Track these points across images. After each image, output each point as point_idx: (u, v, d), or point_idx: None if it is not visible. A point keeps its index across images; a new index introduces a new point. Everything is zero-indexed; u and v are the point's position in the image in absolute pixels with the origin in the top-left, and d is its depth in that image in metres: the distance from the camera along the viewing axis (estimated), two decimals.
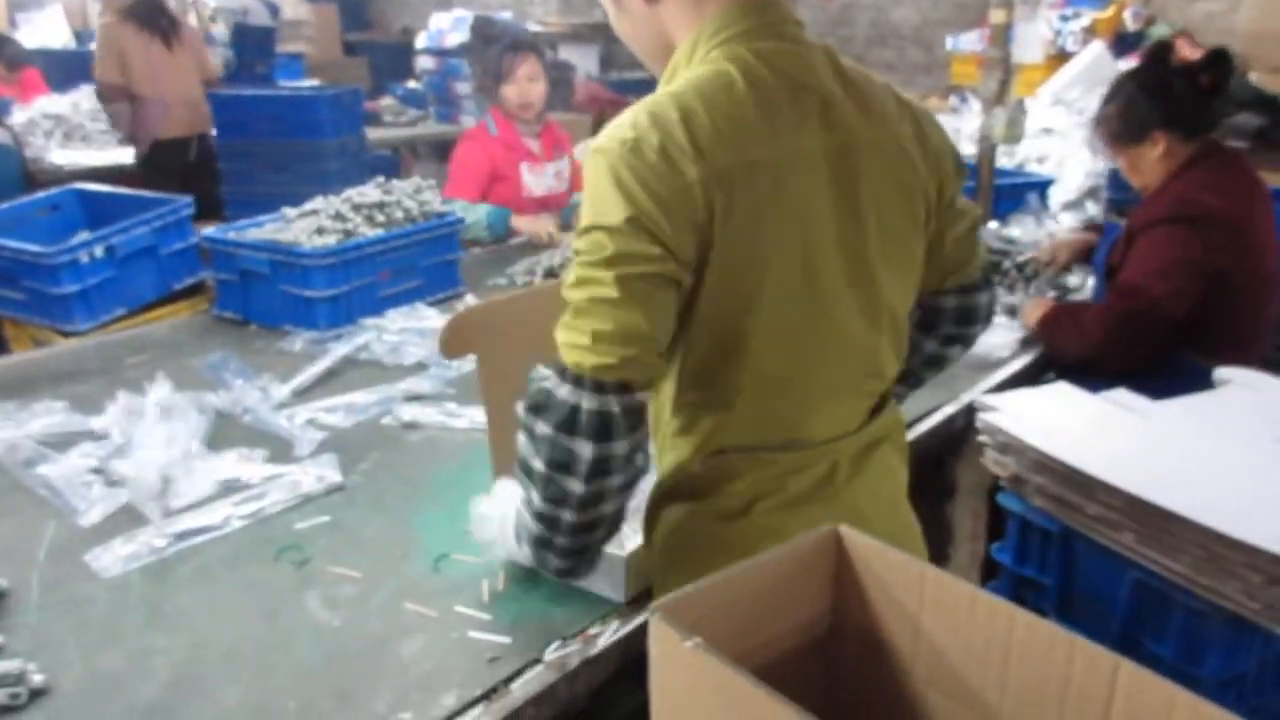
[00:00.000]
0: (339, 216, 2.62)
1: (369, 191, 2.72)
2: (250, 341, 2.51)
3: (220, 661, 1.33)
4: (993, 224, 3.38)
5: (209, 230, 2.73)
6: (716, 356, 1.24)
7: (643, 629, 1.44)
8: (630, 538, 1.47)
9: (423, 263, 2.75)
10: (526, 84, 3.36)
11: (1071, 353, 2.38)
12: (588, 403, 1.17)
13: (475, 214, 3.26)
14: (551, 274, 2.96)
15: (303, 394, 2.16)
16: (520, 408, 1.24)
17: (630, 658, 1.40)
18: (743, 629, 1.00)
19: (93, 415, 2.01)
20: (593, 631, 1.38)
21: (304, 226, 2.59)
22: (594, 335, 1.16)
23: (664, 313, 1.18)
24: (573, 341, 1.18)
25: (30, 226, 2.86)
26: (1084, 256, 2.94)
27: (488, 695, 1.26)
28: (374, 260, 2.61)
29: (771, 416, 1.28)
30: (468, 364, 2.30)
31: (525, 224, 3.33)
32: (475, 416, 2.01)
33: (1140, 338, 2.29)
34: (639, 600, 1.44)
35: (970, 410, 2.17)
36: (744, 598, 1.00)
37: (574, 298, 1.19)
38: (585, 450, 1.18)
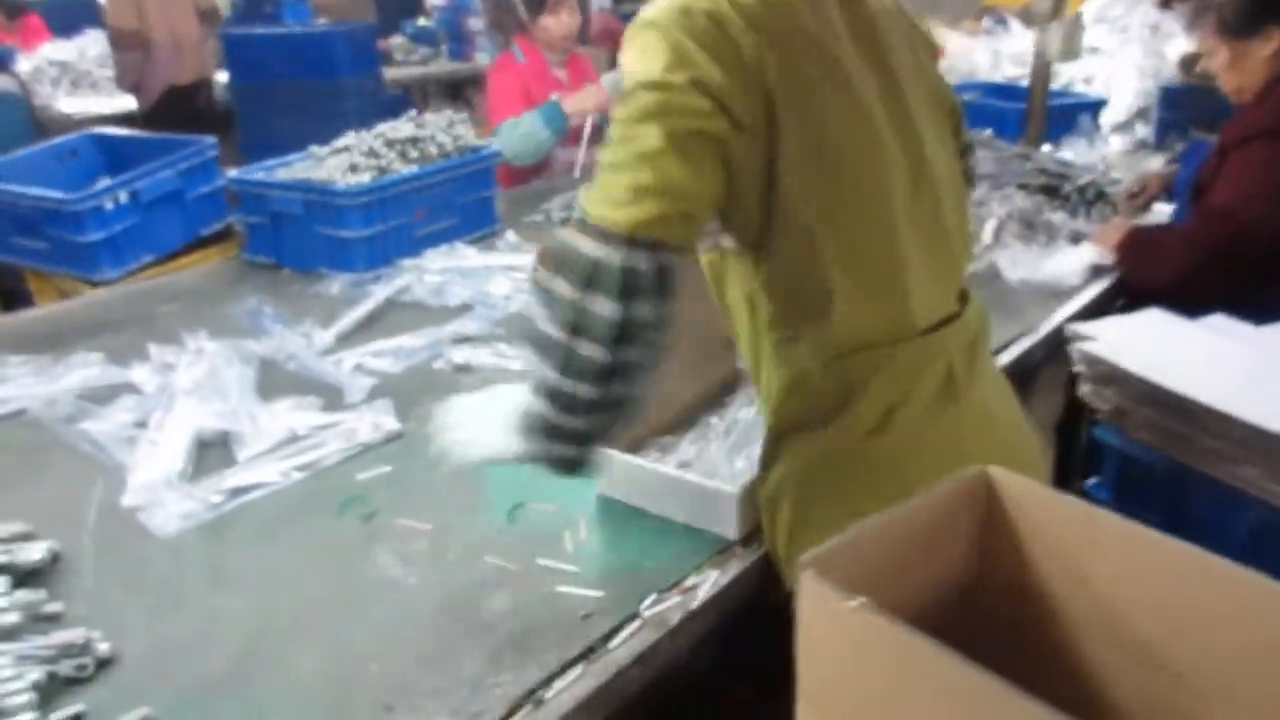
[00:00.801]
0: (372, 153, 2.49)
1: (402, 126, 2.60)
2: (284, 287, 2.41)
3: (291, 625, 1.24)
4: (1045, 147, 3.24)
5: (236, 172, 2.61)
6: (804, 243, 1.20)
7: (743, 578, 1.37)
8: (741, 474, 1.39)
9: (459, 200, 2.63)
10: (567, 16, 3.22)
11: (1154, 281, 2.25)
12: (613, 257, 1.06)
13: (527, 122, 3.08)
14: None
15: (346, 339, 2.06)
16: (534, 265, 1.13)
17: (729, 610, 1.31)
18: (890, 582, 0.90)
19: (131, 367, 1.91)
20: (689, 583, 1.29)
21: (336, 164, 2.47)
22: (630, 189, 1.07)
23: (714, 175, 1.12)
24: (603, 197, 1.09)
25: (48, 174, 2.74)
26: (1174, 189, 2.78)
27: (586, 655, 1.17)
28: (409, 198, 2.50)
29: (872, 304, 1.23)
30: (514, 303, 2.19)
31: (573, 103, 3.14)
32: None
33: (1231, 266, 2.15)
34: (727, 548, 1.35)
35: (1049, 342, 2.07)
36: (893, 548, 0.90)
37: (609, 156, 1.11)
38: (606, 310, 1.06)
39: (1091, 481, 1.75)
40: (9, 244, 2.62)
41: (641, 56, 1.12)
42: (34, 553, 1.31)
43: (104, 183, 2.51)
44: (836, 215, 1.19)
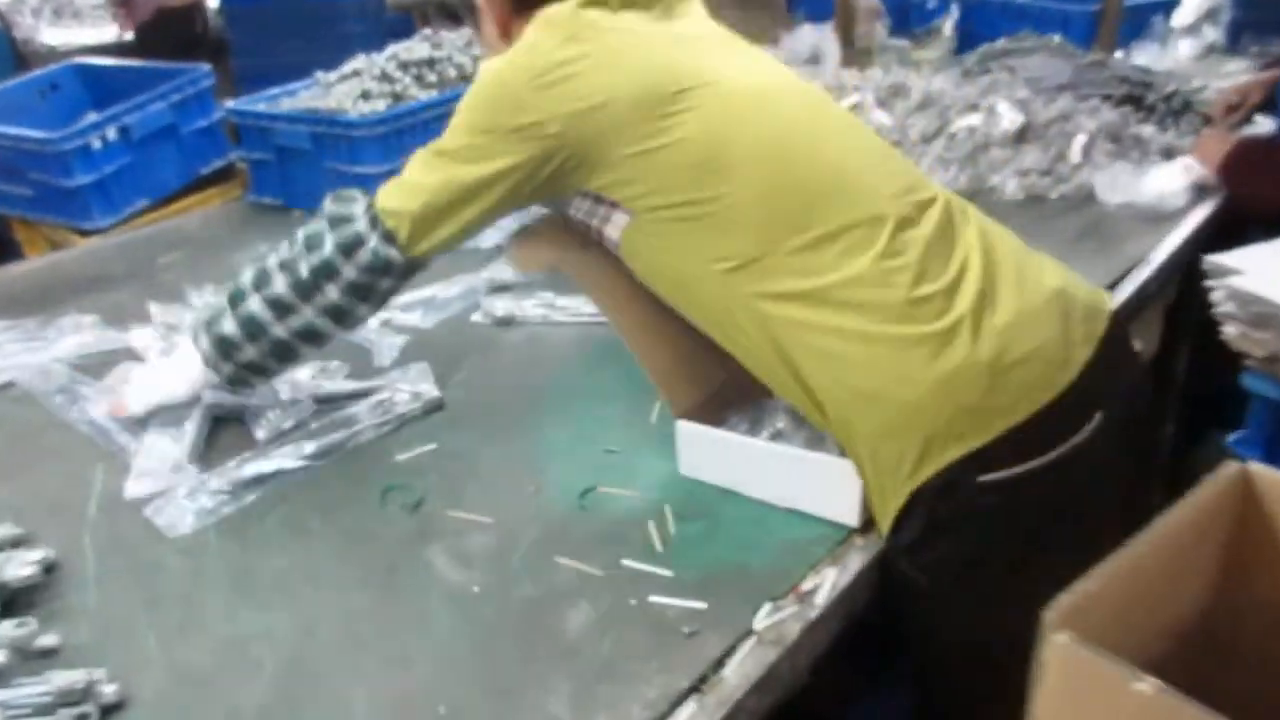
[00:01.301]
0: (385, 77, 2.24)
1: (416, 46, 2.34)
2: (295, 229, 2.16)
3: (337, 647, 1.04)
4: (1118, 54, 2.96)
5: (235, 103, 2.35)
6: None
7: (866, 574, 1.16)
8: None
9: None
10: None
11: (1272, 200, 2.00)
12: (360, 224, 1.23)
13: None
14: None
15: None
16: (329, 200, 1.28)
17: (854, 614, 1.10)
18: (1137, 625, 0.69)
19: (130, 329, 1.69)
20: (806, 586, 1.08)
21: (346, 91, 2.21)
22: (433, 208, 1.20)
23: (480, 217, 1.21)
24: (407, 197, 1.21)
25: (28, 111, 2.48)
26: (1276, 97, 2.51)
27: (697, 686, 0.96)
28: (429, 127, 2.23)
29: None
30: None
31: None
32: (582, 308, 1.67)
33: None
34: (845, 538, 1.14)
35: (1162, 274, 1.83)
36: (1137, 585, 0.68)
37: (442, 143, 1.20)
38: (351, 274, 1.24)
39: (1235, 436, 1.53)
40: None
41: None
42: (24, 567, 1.11)
43: (90, 118, 2.26)
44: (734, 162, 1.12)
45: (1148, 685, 0.58)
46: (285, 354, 1.31)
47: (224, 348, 1.29)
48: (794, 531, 1.16)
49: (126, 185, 2.31)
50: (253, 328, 1.27)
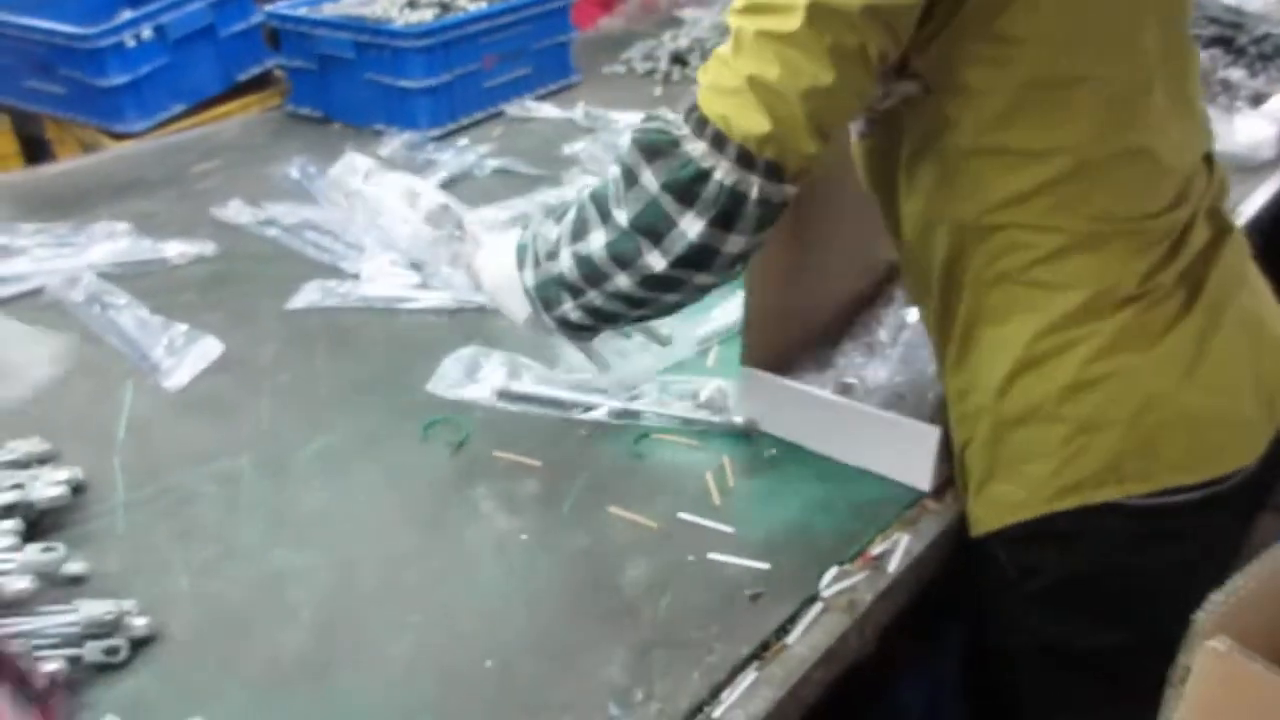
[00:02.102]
0: None
1: None
2: (336, 143, 2.07)
3: (378, 593, 0.98)
4: None
5: (276, 6, 2.24)
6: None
7: (941, 541, 1.09)
8: (913, 397, 1.11)
9: (533, 45, 2.26)
10: None
11: None
12: (723, 172, 0.87)
13: None
14: (679, 59, 2.46)
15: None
16: (627, 138, 0.93)
17: (924, 582, 1.04)
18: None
19: (165, 239, 1.62)
20: (875, 551, 1.01)
21: None
22: (753, 83, 0.84)
23: (870, 79, 0.86)
24: (726, 85, 0.86)
25: (58, 5, 2.38)
26: None
27: (759, 653, 0.90)
28: (477, 41, 2.13)
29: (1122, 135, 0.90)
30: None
31: None
32: None
33: None
34: (917, 502, 1.07)
35: (1254, 230, 1.72)
36: None
37: (743, 25, 0.85)
38: (693, 229, 0.89)
39: None
40: (22, 88, 2.29)
41: None
42: (52, 487, 1.05)
43: (125, 16, 2.16)
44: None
45: None
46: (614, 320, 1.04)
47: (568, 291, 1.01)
48: (863, 492, 1.08)
49: (161, 88, 2.22)
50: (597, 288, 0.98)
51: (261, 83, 2.38)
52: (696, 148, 0.87)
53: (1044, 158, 0.89)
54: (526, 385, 1.24)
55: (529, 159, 1.93)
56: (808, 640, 0.92)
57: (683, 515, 1.05)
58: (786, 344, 1.19)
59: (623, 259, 0.93)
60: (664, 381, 1.24)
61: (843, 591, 0.96)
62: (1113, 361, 0.91)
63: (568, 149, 1.95)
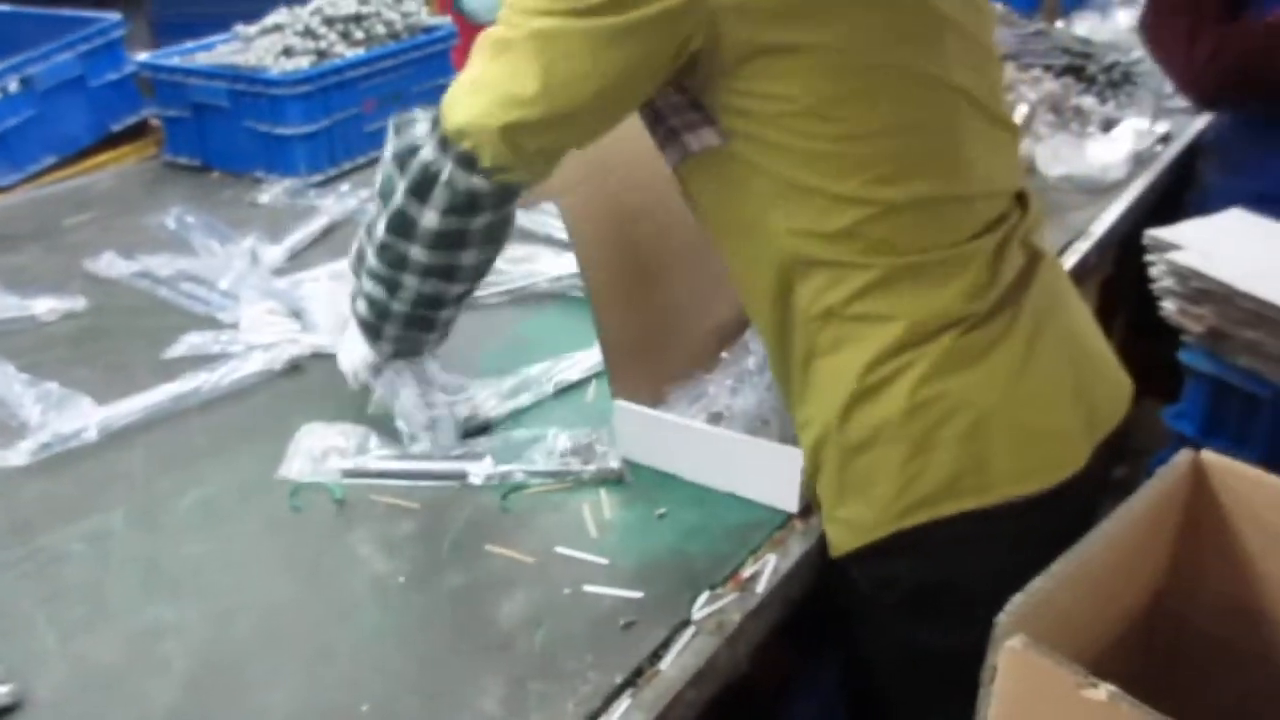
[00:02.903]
0: (309, 33, 2.13)
1: (342, 2, 2.22)
2: (215, 191, 2.06)
3: (253, 643, 0.98)
4: (1059, 23, 2.95)
5: (148, 56, 2.22)
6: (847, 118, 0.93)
7: (808, 560, 1.13)
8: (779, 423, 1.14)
9: (414, 88, 2.28)
10: None
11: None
12: (426, 152, 1.00)
13: None
14: None
15: (297, 256, 1.75)
16: (390, 127, 1.06)
17: (793, 599, 1.07)
18: (1086, 624, 0.66)
19: (34, 295, 1.59)
20: (746, 573, 1.05)
21: (267, 46, 2.10)
22: (479, 86, 0.96)
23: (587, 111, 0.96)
24: (461, 77, 0.98)
25: None
26: None
27: (632, 679, 0.92)
28: (356, 86, 2.14)
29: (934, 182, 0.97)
30: None
31: None
32: (538, 268, 1.62)
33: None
34: (786, 523, 1.11)
35: (1101, 247, 1.83)
36: (1090, 585, 0.66)
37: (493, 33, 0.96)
38: (432, 221, 1.02)
39: (1170, 410, 1.53)
40: None
41: None
42: None
43: None
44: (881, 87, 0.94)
45: (1101, 691, 0.55)
46: (427, 324, 1.16)
47: (369, 329, 1.17)
48: (734, 517, 1.12)
49: (32, 140, 2.17)
50: (378, 308, 1.13)
51: (138, 132, 2.34)
52: (421, 128, 1.01)
53: (849, 201, 0.94)
54: (379, 463, 1.21)
55: None
56: (679, 663, 0.94)
57: (559, 549, 1.07)
58: (657, 376, 1.23)
59: (402, 227, 1.03)
60: (530, 436, 1.24)
61: (712, 614, 0.99)
62: (940, 384, 0.96)
63: None
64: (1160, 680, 0.77)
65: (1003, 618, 0.58)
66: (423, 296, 1.10)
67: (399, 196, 1.01)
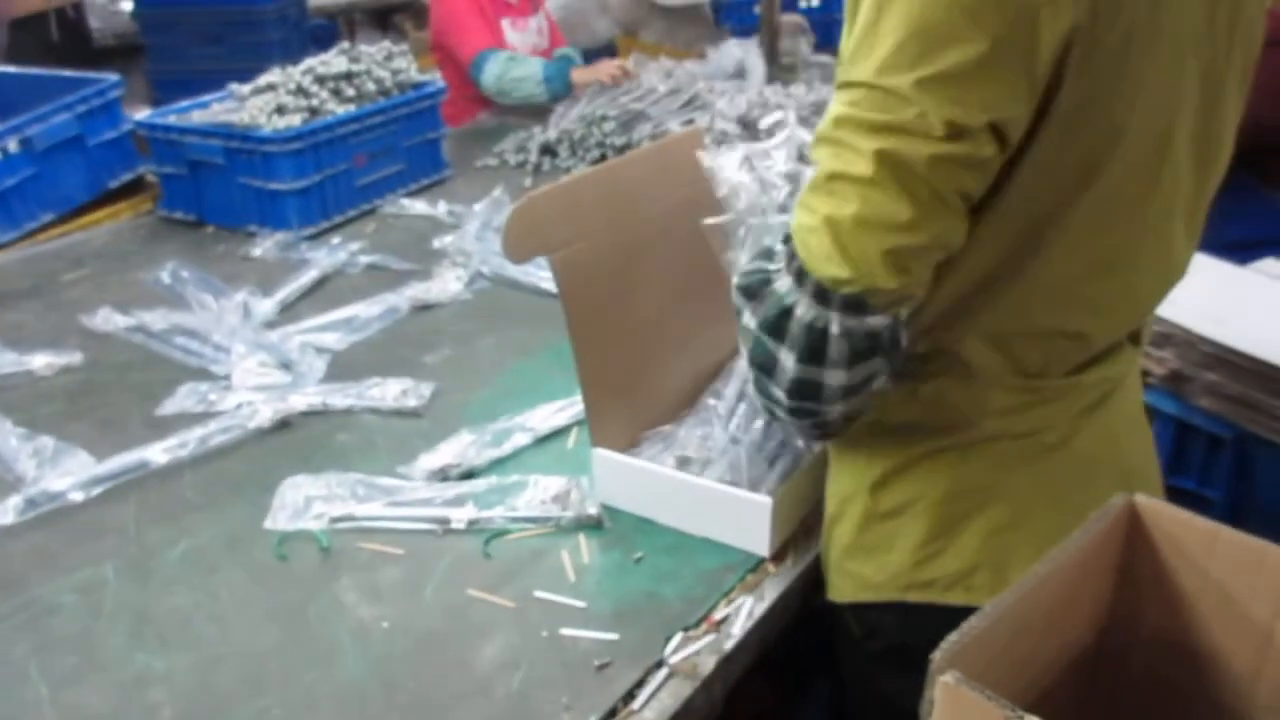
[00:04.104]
0: (301, 91, 2.19)
1: (333, 60, 2.29)
2: (209, 246, 2.12)
3: (239, 688, 1.00)
4: None
5: (145, 115, 2.29)
6: (1007, 259, 0.89)
7: (782, 603, 1.16)
8: (767, 477, 1.17)
9: (403, 143, 2.35)
10: None
11: None
12: (803, 309, 0.86)
13: (528, 68, 2.76)
14: (548, 150, 2.57)
15: (290, 309, 1.79)
16: (731, 283, 0.94)
17: (768, 641, 1.10)
18: (1025, 662, 0.70)
19: (31, 350, 1.63)
20: (719, 615, 1.08)
21: (260, 105, 2.16)
22: (830, 223, 0.82)
23: (955, 215, 0.82)
24: (806, 224, 0.84)
25: None
26: None
27: (607, 719, 0.95)
28: (347, 143, 2.21)
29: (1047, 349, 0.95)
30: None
31: (585, 74, 2.76)
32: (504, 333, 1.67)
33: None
34: (759, 566, 1.14)
35: None
36: (1025, 623, 0.69)
37: (821, 160, 0.84)
38: (788, 363, 0.89)
39: None
40: None
41: (888, 23, 0.78)
42: None
43: None
44: (1056, 243, 0.89)
45: None
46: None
47: None
48: (709, 560, 1.15)
49: (29, 198, 2.22)
50: None
51: (133, 188, 2.40)
52: (783, 284, 0.88)
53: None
54: (364, 510, 1.24)
55: (400, 254, 2.00)
56: (655, 705, 0.97)
57: (538, 593, 1.10)
58: (636, 424, 1.27)
59: (761, 389, 0.95)
60: (512, 482, 1.27)
61: (688, 656, 1.02)
62: (985, 478, 0.96)
63: (437, 243, 2.02)
64: (1104, 717, 0.80)
65: (938, 655, 0.62)
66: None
67: (791, 364, 0.89)
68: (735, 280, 0.94)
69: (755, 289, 0.90)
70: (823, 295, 0.84)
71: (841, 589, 1.08)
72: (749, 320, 0.91)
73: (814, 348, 0.86)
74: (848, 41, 0.83)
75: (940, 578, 1.00)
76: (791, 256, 0.86)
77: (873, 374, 0.89)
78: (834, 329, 0.85)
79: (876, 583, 1.03)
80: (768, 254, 0.92)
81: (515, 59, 2.79)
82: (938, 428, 0.97)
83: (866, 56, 0.79)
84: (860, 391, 0.90)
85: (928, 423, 0.98)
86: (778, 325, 0.88)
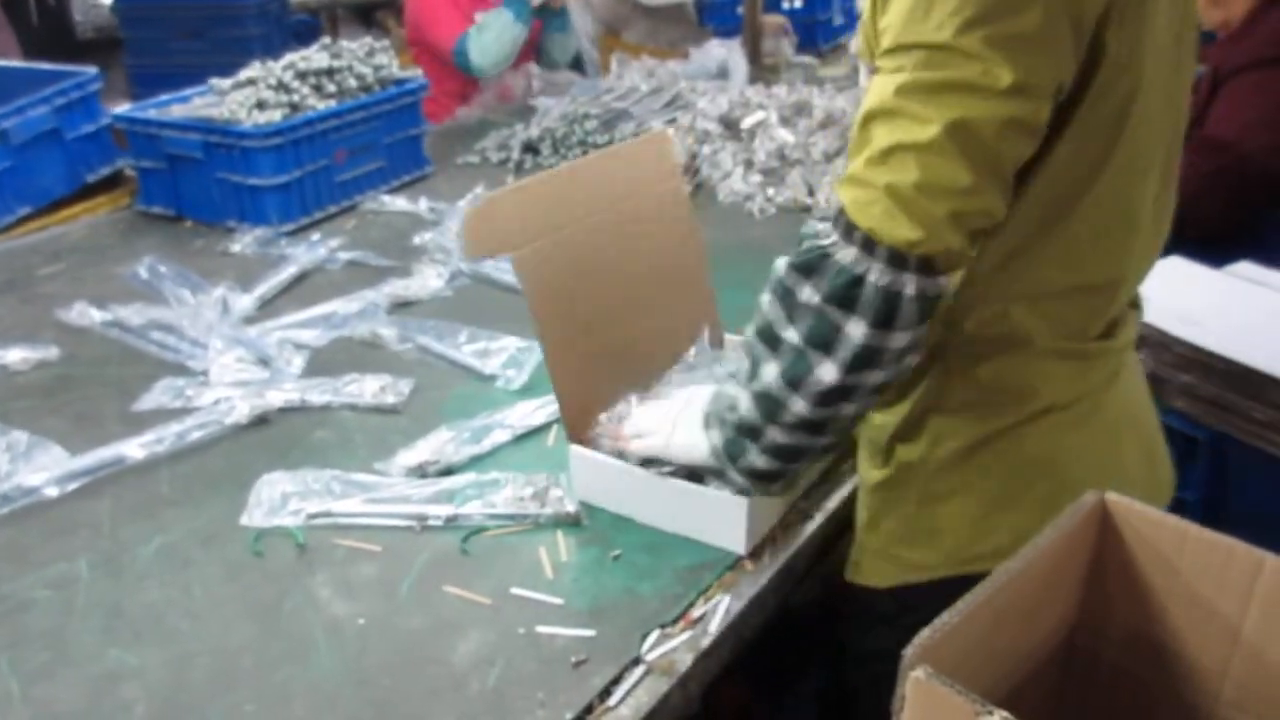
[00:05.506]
0: (281, 86, 2.18)
1: (314, 56, 2.27)
2: (187, 241, 2.10)
3: (213, 684, 1.00)
4: None
5: (124, 109, 2.27)
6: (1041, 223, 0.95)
7: (759, 600, 1.16)
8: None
9: (384, 139, 2.34)
10: None
11: None
12: (876, 275, 0.89)
13: (493, 22, 2.83)
14: (530, 148, 2.56)
15: (269, 305, 1.78)
16: (780, 264, 0.97)
17: (745, 639, 1.11)
18: (997, 657, 0.70)
19: (6, 345, 1.62)
20: (697, 613, 1.08)
21: (240, 100, 2.14)
22: (891, 191, 0.86)
23: (1004, 187, 0.89)
24: (862, 197, 0.89)
25: None
26: None
27: (582, 717, 0.95)
28: (327, 138, 2.19)
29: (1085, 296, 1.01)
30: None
31: None
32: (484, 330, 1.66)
33: (1233, 199, 1.99)
34: (736, 563, 1.15)
35: None
36: (996, 619, 0.70)
37: (876, 135, 0.88)
38: (856, 332, 0.91)
39: None
40: None
41: None
42: None
43: None
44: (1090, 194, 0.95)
45: (996, 717, 0.59)
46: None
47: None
48: (686, 558, 1.15)
49: (5, 192, 2.20)
50: (789, 450, 1.03)
51: (112, 182, 2.39)
52: (847, 254, 0.90)
53: None
54: (341, 506, 1.24)
55: (380, 250, 1.99)
56: (631, 702, 0.97)
57: (515, 590, 1.10)
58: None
59: (796, 381, 0.96)
60: (490, 479, 1.27)
61: (665, 654, 1.02)
62: (1035, 450, 1.01)
63: (417, 239, 2.01)
64: (1075, 713, 0.81)
65: (909, 650, 0.62)
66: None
67: (861, 331, 0.91)
68: (789, 260, 0.96)
69: (815, 264, 0.92)
70: (898, 259, 0.87)
71: (885, 574, 1.10)
72: (810, 296, 0.93)
73: (888, 312, 0.89)
74: (882, 15, 0.87)
75: (995, 549, 1.00)
76: (849, 229, 0.89)
77: (920, 339, 0.94)
78: (909, 290, 0.88)
79: (930, 564, 1.06)
80: (813, 233, 0.94)
81: (480, 27, 2.84)
82: (999, 405, 1.01)
83: (924, 19, 0.82)
84: (908, 355, 0.94)
85: (988, 401, 1.02)
86: (847, 296, 0.90)
